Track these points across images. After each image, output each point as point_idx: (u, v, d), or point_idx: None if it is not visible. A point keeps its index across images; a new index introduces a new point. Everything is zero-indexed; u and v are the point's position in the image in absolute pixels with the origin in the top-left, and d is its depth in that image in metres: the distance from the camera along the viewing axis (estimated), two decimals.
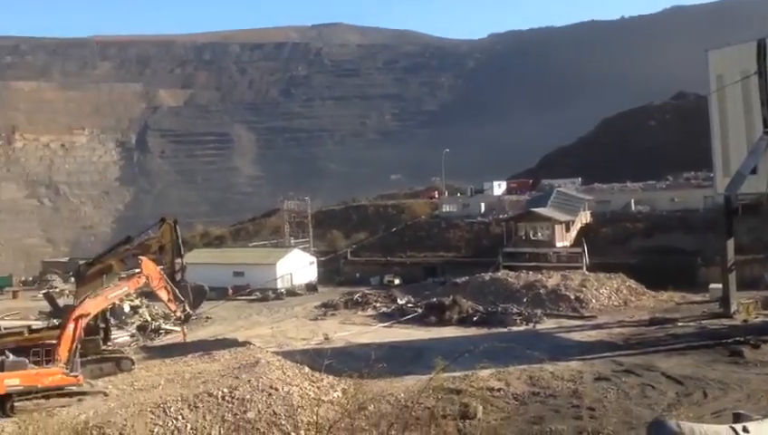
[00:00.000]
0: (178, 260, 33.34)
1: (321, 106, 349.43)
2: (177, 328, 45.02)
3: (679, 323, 41.16)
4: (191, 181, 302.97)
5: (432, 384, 19.16)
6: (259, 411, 24.90)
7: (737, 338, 35.36)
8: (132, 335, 45.97)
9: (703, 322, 41.22)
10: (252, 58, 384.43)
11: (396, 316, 49.07)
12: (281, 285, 65.10)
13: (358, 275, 71.86)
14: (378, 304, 53.80)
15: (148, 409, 24.01)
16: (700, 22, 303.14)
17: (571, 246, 67.94)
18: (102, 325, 33.80)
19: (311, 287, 66.68)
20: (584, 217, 73.61)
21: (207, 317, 50.52)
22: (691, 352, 33.98)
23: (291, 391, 26.31)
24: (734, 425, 4.84)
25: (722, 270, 43.56)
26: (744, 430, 4.66)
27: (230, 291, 62.66)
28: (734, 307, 41.86)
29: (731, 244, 42.18)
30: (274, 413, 24.94)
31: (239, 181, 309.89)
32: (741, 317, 41.06)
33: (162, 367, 30.72)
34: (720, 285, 44.13)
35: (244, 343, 35.16)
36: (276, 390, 26.23)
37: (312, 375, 28.17)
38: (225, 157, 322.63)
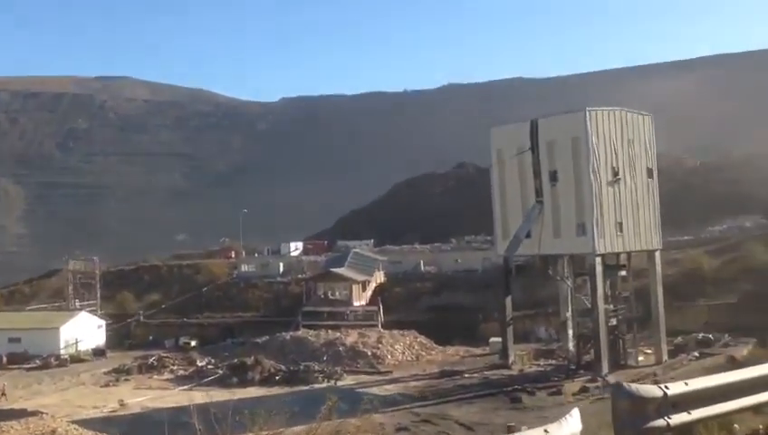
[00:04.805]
0: None
1: (104, 162, 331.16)
2: None
3: (465, 375, 44.68)
4: None
5: None
6: None
7: (516, 386, 39.18)
8: None
9: (486, 372, 45.12)
10: (25, 107, 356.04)
11: (195, 379, 47.70)
12: (65, 351, 60.30)
13: (151, 337, 68.55)
14: (175, 367, 51.91)
15: None
16: (473, 99, 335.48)
17: (368, 304, 71.16)
18: None
19: (98, 352, 62.37)
20: (379, 277, 77.53)
21: None
22: (478, 401, 37.05)
23: None
24: (659, 385, 6.23)
25: (500, 325, 47.80)
26: (666, 387, 6.03)
27: (4, 359, 56.95)
28: (511, 358, 46.24)
29: (509, 301, 46.59)
30: None
31: (2, 240, 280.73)
32: (517, 367, 45.50)
33: None
34: (499, 339, 48.53)
35: (34, 413, 32.35)
36: None
37: None
38: None
